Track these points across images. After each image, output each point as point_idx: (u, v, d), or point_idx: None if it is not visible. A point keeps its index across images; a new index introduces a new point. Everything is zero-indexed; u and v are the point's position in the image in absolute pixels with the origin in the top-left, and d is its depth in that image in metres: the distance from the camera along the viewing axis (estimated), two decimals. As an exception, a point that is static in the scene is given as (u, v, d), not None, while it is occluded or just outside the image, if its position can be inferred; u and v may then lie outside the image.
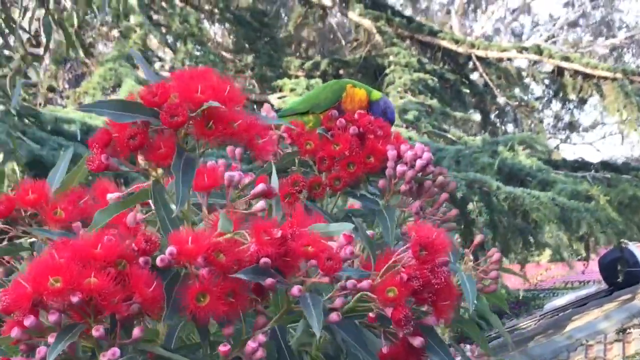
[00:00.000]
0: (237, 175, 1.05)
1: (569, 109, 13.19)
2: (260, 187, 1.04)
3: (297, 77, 9.64)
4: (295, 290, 0.91)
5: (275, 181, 1.02)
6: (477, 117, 11.33)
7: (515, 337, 5.82)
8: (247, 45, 9.90)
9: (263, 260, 0.89)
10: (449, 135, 9.09)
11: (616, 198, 7.25)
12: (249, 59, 9.85)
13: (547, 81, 10.68)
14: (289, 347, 1.02)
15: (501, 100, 10.73)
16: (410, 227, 1.01)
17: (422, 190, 1.30)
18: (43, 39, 3.06)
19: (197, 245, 0.86)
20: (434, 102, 9.08)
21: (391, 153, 1.25)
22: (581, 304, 6.60)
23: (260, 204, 1.02)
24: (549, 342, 5.45)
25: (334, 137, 1.27)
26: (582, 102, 11.46)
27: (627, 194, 7.22)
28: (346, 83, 1.43)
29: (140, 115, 0.95)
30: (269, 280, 0.90)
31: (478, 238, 1.36)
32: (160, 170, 1.01)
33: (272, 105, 1.42)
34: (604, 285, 7.07)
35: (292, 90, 8.73)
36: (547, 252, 8.87)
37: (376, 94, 1.43)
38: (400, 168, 1.25)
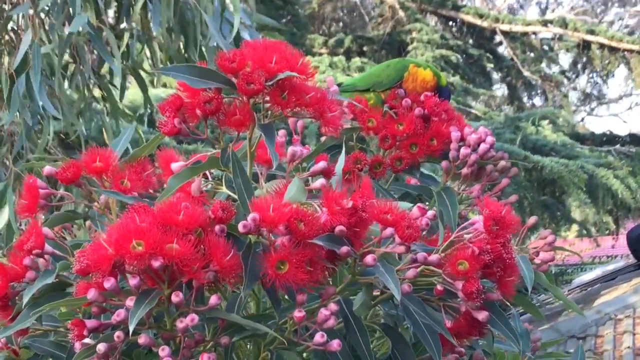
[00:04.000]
0: (300, 150, 1.06)
1: (595, 83, 13.06)
2: (320, 164, 1.05)
3: (320, 54, 9.60)
4: (370, 259, 0.92)
5: (342, 159, 1.02)
6: (500, 92, 11.26)
7: (544, 312, 5.81)
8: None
9: (339, 228, 0.90)
10: (474, 111, 9.06)
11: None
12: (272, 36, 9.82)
13: (573, 54, 10.58)
14: (356, 317, 1.03)
15: (527, 74, 10.64)
16: (480, 203, 1.02)
17: (482, 173, 1.30)
18: None
19: (279, 213, 0.87)
20: (456, 80, 9.04)
21: (455, 135, 1.25)
22: (610, 279, 6.58)
23: (320, 181, 1.02)
24: (577, 317, 5.44)
25: (398, 116, 1.27)
26: (608, 74, 11.36)
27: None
28: (410, 62, 1.42)
29: (216, 82, 0.96)
30: (345, 248, 0.91)
31: (531, 220, 1.36)
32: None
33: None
34: (632, 260, 7.03)
35: (315, 67, 8.70)
36: (574, 228, 8.84)
37: (444, 80, 1.42)
38: (464, 151, 1.24)
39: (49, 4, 2.63)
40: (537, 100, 11.75)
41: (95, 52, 3.04)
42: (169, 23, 2.80)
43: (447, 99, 1.37)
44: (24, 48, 2.67)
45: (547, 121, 8.05)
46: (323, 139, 1.24)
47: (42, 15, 2.77)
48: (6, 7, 2.95)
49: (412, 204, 1.05)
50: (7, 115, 2.68)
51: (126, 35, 3.08)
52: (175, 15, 2.81)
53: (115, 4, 3.07)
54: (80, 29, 2.65)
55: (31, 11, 2.77)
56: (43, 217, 1.13)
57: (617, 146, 8.26)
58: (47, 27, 2.85)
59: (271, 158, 0.97)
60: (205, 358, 0.90)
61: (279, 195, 0.96)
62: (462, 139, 1.26)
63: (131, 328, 0.86)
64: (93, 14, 2.73)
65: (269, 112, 1.00)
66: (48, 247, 1.04)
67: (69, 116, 2.91)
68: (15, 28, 3.01)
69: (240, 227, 0.88)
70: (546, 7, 15.94)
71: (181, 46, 2.97)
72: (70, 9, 2.71)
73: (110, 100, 3.10)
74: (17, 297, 1.05)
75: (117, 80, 2.94)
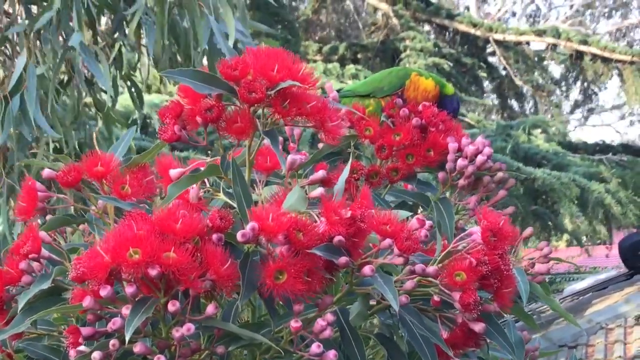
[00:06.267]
0: (299, 159, 1.06)
1: (588, 93, 13.12)
2: (320, 173, 1.05)
3: (314, 61, 9.61)
4: (368, 269, 0.92)
5: (347, 169, 1.02)
6: (490, 101, 11.29)
7: (535, 320, 5.79)
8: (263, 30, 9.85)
9: (338, 238, 0.89)
10: (467, 119, 9.09)
11: (631, 181, 7.23)
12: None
13: (566, 64, 10.62)
14: (351, 327, 1.03)
15: (519, 83, 10.68)
16: (478, 214, 1.01)
17: (479, 184, 1.29)
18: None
19: (278, 222, 0.87)
20: (449, 88, 9.06)
21: (452, 146, 1.24)
22: (601, 288, 6.60)
23: (319, 190, 1.02)
24: (568, 326, 5.45)
25: (396, 126, 1.26)
26: (601, 85, 11.41)
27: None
28: (412, 71, 1.41)
29: (219, 89, 0.96)
30: (343, 259, 0.90)
31: (527, 231, 1.36)
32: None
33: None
34: (624, 269, 7.06)
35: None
36: (565, 237, 8.85)
37: (450, 89, 1.41)
38: (461, 162, 1.23)
39: (45, 23, 2.65)
40: (529, 110, 11.78)
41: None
42: (163, 40, 2.82)
43: (454, 107, 1.36)
44: (19, 69, 2.69)
45: (539, 130, 8.08)
46: (320, 145, 1.24)
47: (36, 33, 2.79)
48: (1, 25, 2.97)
49: (409, 212, 1.05)
50: (1, 136, 2.70)
51: (117, 45, 3.09)
52: (169, 31, 2.84)
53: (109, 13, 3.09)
54: (77, 46, 2.68)
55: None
56: (39, 221, 1.13)
57: (609, 155, 8.29)
58: (41, 45, 2.87)
59: (271, 165, 0.97)
60: (201, 367, 0.90)
61: (278, 204, 0.96)
62: (460, 150, 1.26)
63: (127, 337, 0.86)
64: (89, 32, 2.76)
65: (269, 120, 1.00)
66: (44, 252, 1.03)
67: (63, 130, 2.93)
68: (9, 48, 3.02)
69: (239, 237, 0.88)
70: (537, 17, 15.98)
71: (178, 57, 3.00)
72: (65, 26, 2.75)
73: (102, 109, 3.12)
74: (12, 301, 1.04)
75: (109, 92, 2.96)
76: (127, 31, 3.04)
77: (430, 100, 1.34)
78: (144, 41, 3.09)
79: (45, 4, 2.82)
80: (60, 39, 2.87)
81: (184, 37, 2.97)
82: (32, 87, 2.67)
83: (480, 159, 1.23)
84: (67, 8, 2.66)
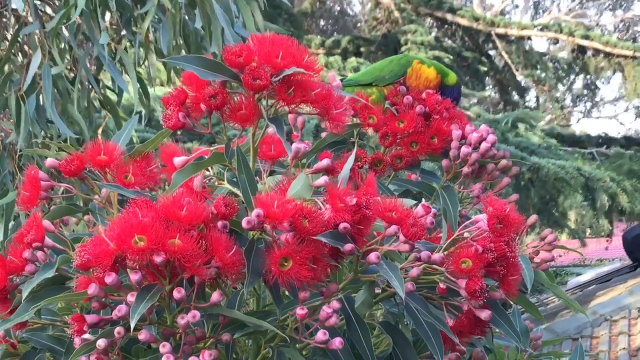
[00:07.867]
0: (303, 147, 1.05)
1: (592, 88, 13.10)
2: (324, 162, 1.04)
3: (316, 54, 9.60)
4: (373, 256, 0.91)
5: (352, 158, 1.01)
6: (487, 94, 11.27)
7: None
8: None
9: (343, 225, 0.89)
10: (469, 113, 9.08)
11: (612, 172, 7.25)
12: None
13: (568, 57, 10.59)
14: (357, 315, 1.03)
15: (520, 77, 10.66)
16: (484, 201, 1.01)
17: (483, 172, 1.29)
18: None
19: (284, 209, 0.86)
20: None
21: (456, 133, 1.23)
22: (605, 280, 6.61)
23: (324, 178, 1.01)
24: (573, 318, 5.47)
25: (399, 113, 1.25)
26: (602, 78, 11.38)
27: (623, 168, 7.25)
28: (414, 58, 1.40)
29: (224, 75, 0.95)
30: (349, 246, 0.90)
31: (532, 218, 1.35)
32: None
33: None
34: (627, 261, 7.06)
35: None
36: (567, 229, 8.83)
37: (452, 78, 1.41)
38: (465, 149, 1.23)
39: (59, 23, 2.63)
40: (531, 103, 11.76)
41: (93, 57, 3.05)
42: (176, 40, 2.82)
43: (456, 97, 1.36)
44: (34, 69, 2.67)
45: (528, 123, 8.08)
46: (324, 134, 1.23)
47: (51, 35, 2.76)
48: (10, 23, 2.95)
49: (413, 201, 1.04)
50: (19, 137, 2.68)
51: (124, 42, 3.09)
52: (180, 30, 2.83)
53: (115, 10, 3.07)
54: (105, 46, 2.67)
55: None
56: (42, 209, 1.12)
57: (603, 148, 8.28)
58: (58, 47, 2.85)
59: (276, 154, 0.97)
60: (207, 355, 0.89)
61: (283, 191, 0.95)
62: (463, 137, 1.25)
63: (132, 324, 0.85)
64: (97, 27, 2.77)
65: (273, 107, 0.99)
66: (48, 240, 1.03)
67: (79, 129, 2.93)
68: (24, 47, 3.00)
69: (244, 223, 0.87)
70: (540, 10, 15.93)
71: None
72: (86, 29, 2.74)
73: (108, 105, 3.12)
74: (15, 290, 1.04)
75: (135, 98, 2.95)
76: (134, 29, 3.03)
77: (432, 89, 1.33)
78: (150, 36, 3.08)
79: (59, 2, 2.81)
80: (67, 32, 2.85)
81: (194, 37, 2.97)
82: (48, 87, 2.66)
83: (484, 146, 1.23)
84: (91, 9, 2.65)
